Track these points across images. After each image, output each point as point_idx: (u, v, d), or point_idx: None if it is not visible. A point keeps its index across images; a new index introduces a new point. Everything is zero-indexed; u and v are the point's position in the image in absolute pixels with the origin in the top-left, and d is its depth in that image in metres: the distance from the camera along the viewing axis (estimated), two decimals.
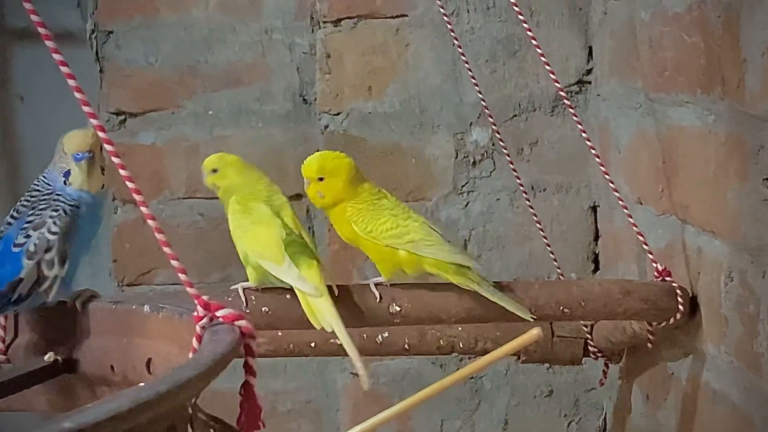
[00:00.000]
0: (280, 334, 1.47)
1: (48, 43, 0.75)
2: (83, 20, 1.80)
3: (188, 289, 0.78)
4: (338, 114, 1.73)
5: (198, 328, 0.77)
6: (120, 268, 1.80)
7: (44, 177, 1.00)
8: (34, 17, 0.74)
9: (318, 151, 1.76)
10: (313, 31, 1.77)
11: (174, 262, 0.77)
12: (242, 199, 1.23)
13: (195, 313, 0.77)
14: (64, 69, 0.75)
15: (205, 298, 0.77)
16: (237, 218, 1.22)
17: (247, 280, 1.22)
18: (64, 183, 0.98)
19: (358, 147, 1.72)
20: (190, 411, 0.71)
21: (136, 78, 1.79)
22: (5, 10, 1.82)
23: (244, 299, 1.23)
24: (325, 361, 1.80)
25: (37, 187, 0.99)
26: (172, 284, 1.79)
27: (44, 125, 1.84)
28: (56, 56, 0.75)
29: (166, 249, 0.76)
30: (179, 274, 0.78)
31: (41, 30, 0.75)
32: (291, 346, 1.47)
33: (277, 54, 1.79)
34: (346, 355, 1.55)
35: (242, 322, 0.77)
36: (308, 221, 1.81)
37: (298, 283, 1.18)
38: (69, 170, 0.99)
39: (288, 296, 1.29)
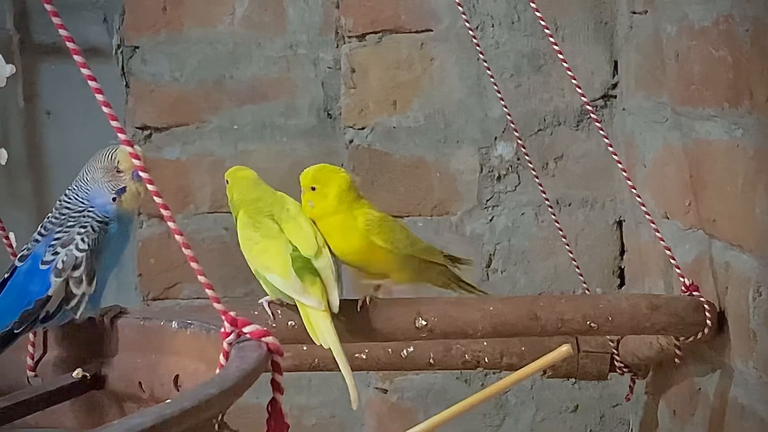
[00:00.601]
0: (305, 348, 1.47)
1: (77, 57, 0.75)
2: (109, 35, 1.81)
3: (215, 305, 0.78)
4: (363, 128, 1.73)
5: (225, 345, 0.77)
6: (145, 283, 1.81)
7: (76, 194, 0.99)
8: (62, 32, 0.75)
9: (342, 165, 1.76)
10: (337, 46, 1.78)
11: (201, 278, 0.77)
12: (251, 213, 1.24)
13: (222, 330, 0.77)
14: (92, 84, 0.75)
15: (232, 314, 0.77)
16: (246, 231, 1.23)
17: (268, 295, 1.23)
18: (114, 200, 0.97)
19: (382, 161, 1.73)
20: (217, 427, 0.71)
21: (161, 93, 1.79)
22: (33, 27, 1.83)
23: (270, 313, 1.23)
24: None
25: (68, 204, 0.98)
26: (197, 298, 1.80)
27: (71, 141, 1.85)
28: (84, 71, 0.75)
29: (193, 264, 0.77)
30: (206, 290, 0.78)
31: (70, 45, 0.75)
32: (315, 360, 1.47)
33: (302, 69, 1.80)
34: (370, 369, 1.56)
35: (269, 339, 0.77)
36: None
37: (301, 297, 1.19)
38: (124, 188, 0.98)
39: None
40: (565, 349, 0.98)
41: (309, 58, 1.79)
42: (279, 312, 1.25)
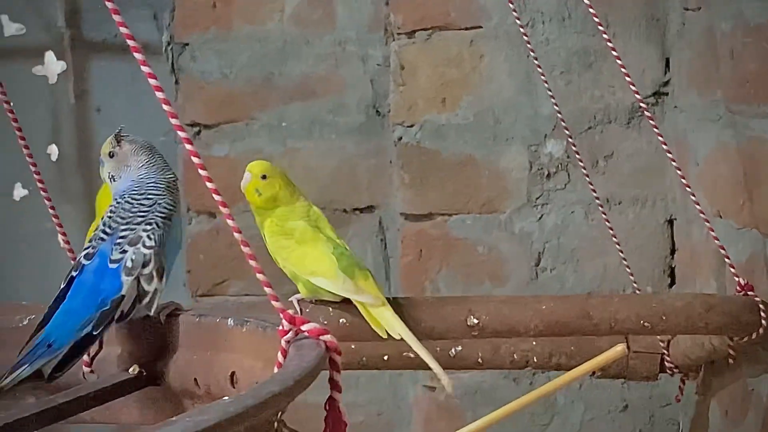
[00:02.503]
0: (353, 346, 1.46)
1: (137, 55, 0.76)
2: (159, 33, 1.82)
3: (274, 303, 0.78)
4: (412, 126, 1.73)
5: (283, 342, 0.77)
6: (194, 279, 1.81)
7: (144, 191, 0.98)
8: (123, 30, 0.75)
9: (390, 163, 1.76)
10: (386, 43, 1.77)
11: (260, 276, 0.77)
12: (279, 220, 1.23)
13: (280, 327, 0.77)
14: (152, 81, 0.76)
15: (290, 311, 0.77)
16: (277, 240, 1.22)
17: (299, 293, 1.23)
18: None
19: (431, 159, 1.72)
20: (276, 425, 0.71)
21: (210, 90, 1.80)
22: (83, 24, 1.85)
23: (298, 309, 1.23)
24: (397, 373, 1.79)
25: (132, 201, 0.98)
26: (245, 295, 1.80)
27: None
28: (145, 69, 0.76)
29: (251, 262, 0.77)
30: (265, 288, 0.78)
31: (131, 43, 0.76)
32: (364, 358, 1.47)
33: (351, 66, 1.79)
34: (419, 368, 1.55)
35: (327, 337, 0.76)
36: (381, 232, 1.81)
37: (357, 296, 1.18)
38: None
39: None
40: (620, 348, 0.97)
41: (358, 55, 1.79)
42: (330, 310, 1.25)
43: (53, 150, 1.83)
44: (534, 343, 1.48)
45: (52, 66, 1.81)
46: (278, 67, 1.80)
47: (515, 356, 1.48)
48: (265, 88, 1.80)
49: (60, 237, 1.09)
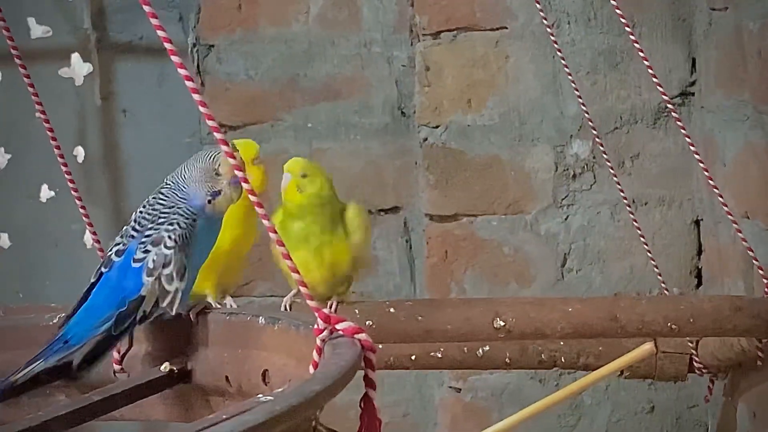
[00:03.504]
0: (380, 347, 1.46)
1: (174, 58, 0.76)
2: (185, 34, 1.82)
3: (308, 302, 0.78)
4: (437, 127, 1.73)
5: (318, 341, 0.77)
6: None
7: (173, 191, 0.99)
8: (161, 33, 0.76)
9: (416, 164, 1.76)
10: (412, 44, 1.77)
11: (295, 276, 0.77)
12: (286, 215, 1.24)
13: (315, 326, 0.77)
14: (189, 84, 0.76)
15: (325, 311, 0.77)
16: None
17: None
18: (209, 202, 0.98)
19: (457, 160, 1.72)
20: (313, 424, 0.71)
21: (236, 91, 1.80)
22: (110, 25, 1.85)
23: (334, 309, 1.23)
24: (422, 374, 1.79)
25: (162, 200, 0.98)
26: (270, 296, 1.80)
27: (147, 139, 1.87)
28: (182, 71, 0.76)
29: (287, 261, 0.77)
30: (300, 288, 0.78)
31: (167, 45, 0.76)
32: (391, 359, 1.47)
33: (376, 67, 1.80)
34: (445, 368, 1.55)
35: (362, 336, 0.77)
36: (406, 233, 1.81)
37: None
38: (220, 191, 0.98)
39: (392, 310, 1.30)
40: (648, 347, 0.97)
41: (383, 56, 1.79)
42: (357, 311, 1.26)
43: (79, 152, 1.83)
44: (562, 343, 1.47)
45: (79, 68, 1.81)
46: (304, 68, 1.80)
47: (543, 356, 1.48)
48: (291, 90, 1.80)
49: (90, 236, 1.09)
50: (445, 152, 1.72)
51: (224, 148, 0.78)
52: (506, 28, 1.71)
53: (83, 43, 1.84)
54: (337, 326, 0.77)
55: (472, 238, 1.73)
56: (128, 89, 1.86)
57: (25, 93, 1.14)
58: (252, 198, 0.77)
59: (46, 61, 1.80)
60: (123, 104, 1.87)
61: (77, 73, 1.82)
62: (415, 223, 1.80)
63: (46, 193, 1.83)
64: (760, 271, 1.33)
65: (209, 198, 0.97)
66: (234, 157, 0.80)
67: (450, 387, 1.74)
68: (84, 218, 1.11)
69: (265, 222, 0.77)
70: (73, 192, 1.13)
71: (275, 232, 0.77)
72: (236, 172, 0.80)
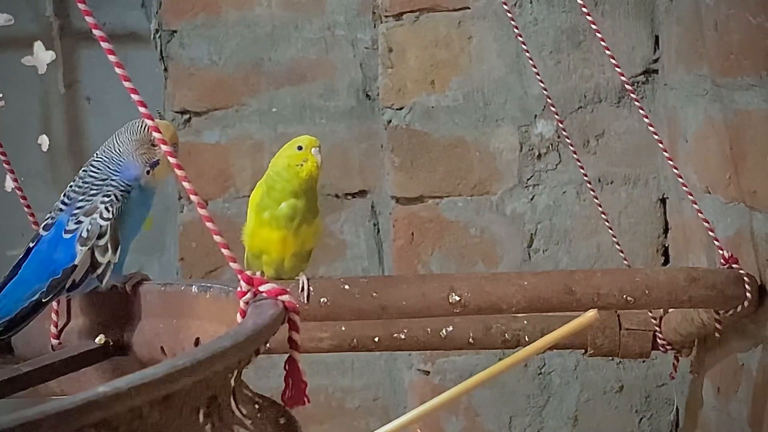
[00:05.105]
0: (343, 328, 1.46)
1: (104, 44, 0.76)
2: (147, 20, 1.82)
3: (231, 264, 0.77)
4: (401, 109, 1.72)
5: (242, 303, 0.76)
6: (187, 267, 1.81)
7: (105, 164, 0.99)
8: (89, 19, 0.75)
9: (381, 146, 1.76)
10: (375, 26, 1.77)
11: (226, 252, 0.77)
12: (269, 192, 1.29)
13: (238, 289, 0.77)
14: (119, 70, 0.77)
15: (248, 273, 0.77)
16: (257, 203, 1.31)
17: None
18: (147, 173, 0.97)
19: (421, 141, 1.71)
20: (233, 384, 0.71)
21: (200, 77, 1.80)
22: (72, 13, 1.85)
23: (306, 286, 1.25)
24: (392, 358, 1.79)
25: (93, 173, 0.98)
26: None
27: (112, 126, 1.84)
28: (112, 57, 0.76)
29: (217, 237, 0.77)
30: (222, 249, 0.78)
31: (96, 32, 0.76)
32: (354, 341, 1.46)
33: (340, 50, 1.79)
34: (410, 349, 1.55)
35: (285, 297, 0.76)
36: (373, 217, 1.81)
37: None
38: (158, 161, 0.98)
39: (346, 287, 1.29)
40: (591, 313, 0.96)
41: (347, 38, 1.79)
42: (312, 289, 1.26)
43: (44, 140, 1.83)
44: (525, 322, 1.47)
45: (42, 56, 1.80)
46: (268, 52, 1.80)
47: (507, 335, 1.47)
48: (255, 74, 1.80)
49: (29, 217, 1.08)
50: (409, 134, 1.72)
51: (157, 135, 0.78)
52: (468, 8, 1.71)
53: (46, 30, 1.83)
54: (261, 288, 0.76)
55: (438, 220, 1.72)
56: (92, 77, 1.86)
57: None
58: (185, 185, 0.77)
59: (8, 50, 1.80)
60: (87, 92, 1.86)
61: (40, 61, 1.80)
62: (383, 207, 1.79)
63: (10, 183, 1.82)
64: (716, 242, 1.32)
65: (147, 168, 0.97)
66: (166, 143, 0.81)
67: (419, 370, 1.73)
68: (21, 200, 1.10)
69: (193, 198, 0.77)
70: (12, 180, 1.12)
71: (211, 221, 0.77)
72: (162, 146, 0.80)
